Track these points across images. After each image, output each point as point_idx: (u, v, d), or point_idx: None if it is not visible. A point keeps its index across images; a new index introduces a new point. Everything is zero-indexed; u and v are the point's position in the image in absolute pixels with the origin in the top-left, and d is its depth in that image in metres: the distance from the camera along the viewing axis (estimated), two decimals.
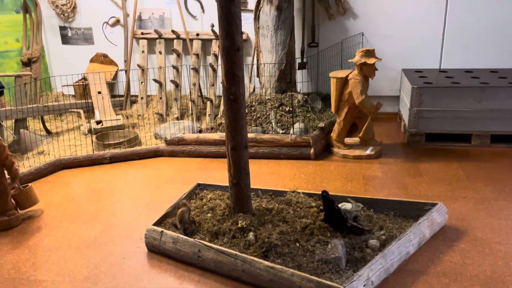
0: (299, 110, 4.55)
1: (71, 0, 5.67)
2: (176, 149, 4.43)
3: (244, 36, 5.33)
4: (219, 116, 5.13)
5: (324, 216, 2.65)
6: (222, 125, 4.75)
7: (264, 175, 3.83)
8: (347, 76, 4.00)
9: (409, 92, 4.31)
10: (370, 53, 3.91)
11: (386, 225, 2.71)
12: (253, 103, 4.72)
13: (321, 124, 4.29)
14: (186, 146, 4.41)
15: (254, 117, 4.57)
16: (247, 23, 5.22)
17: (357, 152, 4.13)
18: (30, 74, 5.16)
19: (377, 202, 2.94)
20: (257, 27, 4.80)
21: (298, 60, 5.02)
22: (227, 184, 2.77)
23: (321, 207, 2.78)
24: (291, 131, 4.28)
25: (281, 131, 4.32)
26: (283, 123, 4.41)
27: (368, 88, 4.02)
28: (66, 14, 5.76)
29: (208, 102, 5.20)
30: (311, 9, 5.09)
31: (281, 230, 2.56)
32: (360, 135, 4.23)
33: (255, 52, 5.04)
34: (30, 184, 3.33)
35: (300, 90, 5.05)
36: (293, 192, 3.07)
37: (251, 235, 2.51)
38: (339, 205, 2.72)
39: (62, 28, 5.93)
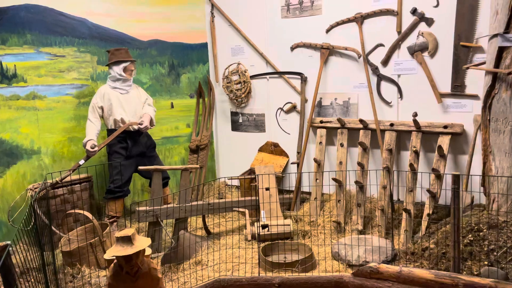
0: None
1: (246, 85, 5.19)
2: (367, 283, 3.18)
3: (458, 129, 4.03)
4: (420, 234, 3.79)
5: None
6: (428, 250, 3.41)
7: None
8: None
9: None
10: None
11: None
12: (481, 225, 3.29)
13: None
14: (381, 281, 3.14)
15: (485, 248, 3.12)
16: (462, 111, 4.04)
17: None
18: (197, 167, 4.65)
19: None
20: (487, 119, 3.48)
21: None
22: None
23: None
24: None
25: None
26: None
27: None
28: (239, 100, 5.29)
29: (405, 214, 3.92)
30: None
31: None
32: None
33: (483, 152, 3.63)
34: None
35: None
36: None
37: None
38: None
39: (234, 114, 5.48)
